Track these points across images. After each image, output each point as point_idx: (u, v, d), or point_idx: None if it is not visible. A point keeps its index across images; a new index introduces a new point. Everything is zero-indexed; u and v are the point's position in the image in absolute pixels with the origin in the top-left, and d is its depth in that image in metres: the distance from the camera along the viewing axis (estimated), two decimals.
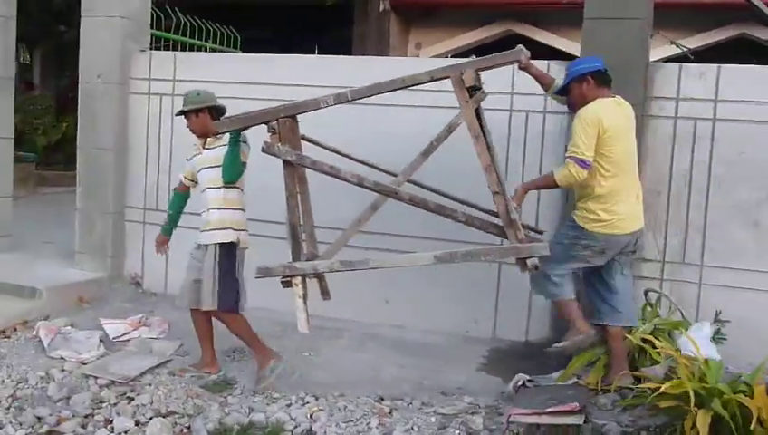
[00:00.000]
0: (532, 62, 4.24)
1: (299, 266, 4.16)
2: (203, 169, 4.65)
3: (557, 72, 4.77)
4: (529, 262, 3.91)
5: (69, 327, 5.45)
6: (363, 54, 10.42)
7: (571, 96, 4.16)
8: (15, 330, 5.44)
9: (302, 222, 4.21)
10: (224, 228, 4.55)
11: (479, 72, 4.06)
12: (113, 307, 6.13)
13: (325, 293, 4.28)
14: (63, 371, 4.79)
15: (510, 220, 3.91)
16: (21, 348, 5.15)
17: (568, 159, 3.97)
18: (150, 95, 6.39)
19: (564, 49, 11.21)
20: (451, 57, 9.89)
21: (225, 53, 7.97)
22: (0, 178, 7.06)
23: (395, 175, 4.26)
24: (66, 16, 14.05)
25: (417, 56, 12.20)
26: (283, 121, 4.16)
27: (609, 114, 3.97)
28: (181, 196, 4.96)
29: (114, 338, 5.37)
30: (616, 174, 4.01)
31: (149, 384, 4.63)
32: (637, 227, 4.14)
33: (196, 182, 4.76)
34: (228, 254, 4.55)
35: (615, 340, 4.20)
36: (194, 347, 5.09)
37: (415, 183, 4.47)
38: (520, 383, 4.29)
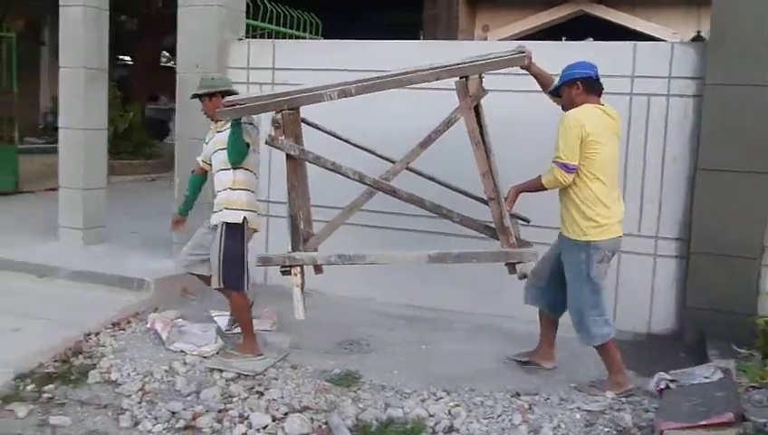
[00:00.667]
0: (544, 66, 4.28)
1: (298, 257, 4.29)
2: (215, 151, 4.79)
3: (650, 54, 4.86)
4: (518, 268, 4.05)
5: (180, 319, 5.43)
6: (434, 38, 10.29)
7: (562, 99, 4.23)
8: (129, 322, 5.44)
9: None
10: (231, 209, 4.68)
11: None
12: (216, 298, 6.08)
13: (318, 269, 4.75)
14: (186, 364, 4.77)
15: (503, 226, 4.06)
16: (139, 341, 5.14)
17: (553, 164, 4.05)
18: (249, 84, 6.32)
19: (640, 29, 10.95)
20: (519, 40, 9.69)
21: (315, 40, 7.86)
22: (95, 170, 7.10)
23: (393, 162, 4.44)
24: (128, 5, 14.11)
25: (485, 39, 12.01)
26: (287, 114, 4.20)
27: (591, 119, 4.02)
28: (198, 178, 5.19)
29: (226, 330, 5.34)
30: (601, 178, 4.05)
31: (276, 378, 4.59)
32: (620, 232, 4.22)
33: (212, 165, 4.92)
34: (234, 234, 4.68)
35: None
36: (307, 340, 5.05)
37: (414, 171, 4.64)
38: (663, 386, 4.12)
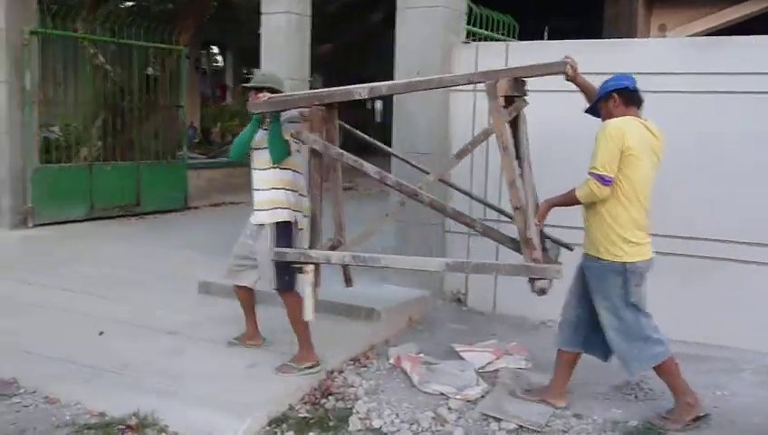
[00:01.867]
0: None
1: (313, 255, 4.26)
2: (258, 149, 4.54)
3: None
4: (537, 284, 3.87)
5: (422, 354, 4.87)
6: (616, 37, 9.48)
7: (601, 115, 3.93)
8: (368, 358, 4.90)
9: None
10: (281, 208, 4.50)
11: (521, 79, 3.99)
12: (446, 329, 5.52)
13: (348, 280, 4.76)
14: (452, 410, 4.17)
15: (526, 238, 3.86)
16: (387, 380, 4.59)
17: (589, 176, 3.75)
18: (477, 92, 5.73)
19: None
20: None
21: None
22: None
23: (427, 172, 4.38)
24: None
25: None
26: (316, 109, 4.23)
27: (633, 132, 3.72)
28: None
29: (480, 369, 4.72)
30: (638, 197, 3.78)
31: (564, 432, 3.93)
32: (651, 255, 3.90)
33: None
34: (283, 234, 4.50)
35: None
36: (573, 381, 4.37)
37: (446, 183, 4.88)
38: None
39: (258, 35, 14.12)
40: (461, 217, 4.16)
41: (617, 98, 3.82)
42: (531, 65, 3.96)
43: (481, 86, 5.60)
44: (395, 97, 5.94)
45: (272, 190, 4.50)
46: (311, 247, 4.34)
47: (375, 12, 14.29)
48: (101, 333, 5.17)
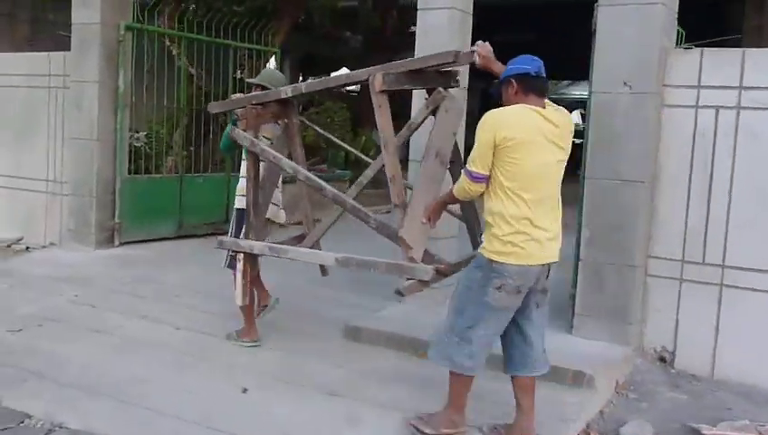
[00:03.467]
0: None
1: (242, 244, 4.69)
2: None
3: None
4: (404, 284, 3.91)
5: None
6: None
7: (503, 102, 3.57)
8: None
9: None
10: (240, 195, 4.96)
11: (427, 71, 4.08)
12: (663, 398, 4.49)
13: (324, 272, 5.08)
14: None
15: (400, 236, 3.85)
16: None
17: (462, 171, 3.55)
18: (699, 108, 4.72)
19: None
20: None
21: None
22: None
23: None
24: (357, 19, 13.03)
25: None
26: (250, 109, 4.66)
27: (513, 122, 3.36)
28: None
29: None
30: (522, 193, 3.38)
31: None
32: (551, 258, 3.49)
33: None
34: (240, 218, 4.95)
35: (526, 392, 3.64)
36: None
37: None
38: None
39: (328, 42, 13.04)
40: (358, 211, 4.15)
41: (515, 84, 3.46)
42: (425, 56, 4.12)
43: (704, 101, 4.71)
44: (592, 113, 4.95)
45: (242, 179, 4.92)
46: (245, 237, 4.72)
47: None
48: (245, 391, 4.23)
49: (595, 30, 4.99)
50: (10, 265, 7.01)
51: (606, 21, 4.87)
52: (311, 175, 4.49)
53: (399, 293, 3.95)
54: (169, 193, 8.05)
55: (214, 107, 5.02)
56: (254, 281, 4.94)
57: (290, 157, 4.87)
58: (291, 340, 5.08)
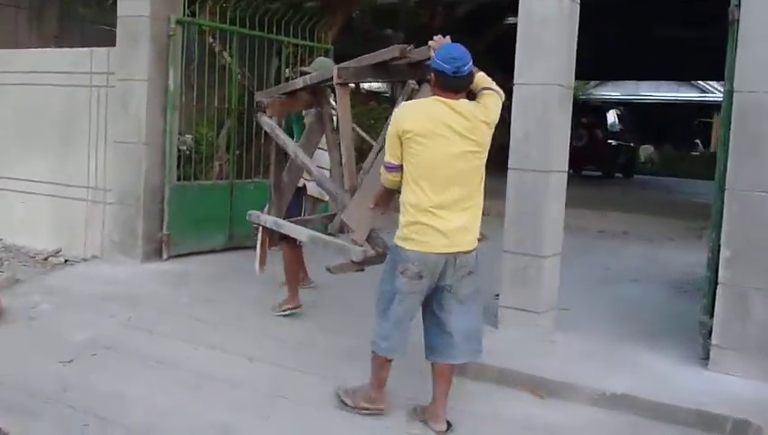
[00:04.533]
0: None
1: (261, 218, 5.20)
2: None
3: None
4: (336, 263, 4.36)
5: None
6: None
7: None
8: None
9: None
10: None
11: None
12: None
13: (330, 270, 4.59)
14: None
15: (341, 220, 4.38)
16: None
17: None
18: None
19: None
20: None
21: None
22: (552, 229, 5.02)
23: None
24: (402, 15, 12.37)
25: None
26: (275, 98, 5.16)
27: (418, 115, 3.53)
28: None
29: None
30: (419, 182, 3.50)
31: None
32: (456, 248, 3.53)
33: None
34: (297, 195, 5.55)
35: (441, 379, 3.73)
36: None
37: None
38: None
39: (368, 40, 12.30)
40: (325, 187, 4.92)
41: (434, 78, 3.57)
42: (374, 54, 4.27)
43: None
44: (734, 116, 4.29)
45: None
46: (267, 213, 5.18)
47: None
48: None
49: (736, 19, 4.32)
50: (51, 282, 6.39)
51: (756, 6, 4.20)
52: (306, 160, 4.90)
53: (329, 270, 4.38)
54: (220, 201, 7.41)
55: (259, 95, 5.26)
56: (300, 262, 5.83)
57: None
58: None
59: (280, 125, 5.18)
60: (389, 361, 3.76)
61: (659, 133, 30.47)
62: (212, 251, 7.38)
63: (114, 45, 6.92)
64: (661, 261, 8.40)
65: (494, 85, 3.69)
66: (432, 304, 3.69)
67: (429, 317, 3.74)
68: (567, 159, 5.10)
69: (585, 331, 5.07)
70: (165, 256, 6.93)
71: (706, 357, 4.47)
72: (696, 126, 34.23)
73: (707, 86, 32.26)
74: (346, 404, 3.89)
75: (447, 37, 3.80)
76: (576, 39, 5.01)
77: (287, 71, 8.40)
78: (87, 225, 7.25)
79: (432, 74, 3.57)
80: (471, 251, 3.60)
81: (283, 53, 8.12)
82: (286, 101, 5.11)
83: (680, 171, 27.79)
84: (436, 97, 3.54)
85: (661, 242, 10.05)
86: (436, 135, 3.47)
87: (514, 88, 4.94)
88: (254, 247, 7.65)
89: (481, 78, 3.68)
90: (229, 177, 7.59)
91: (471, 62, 3.53)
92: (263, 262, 5.21)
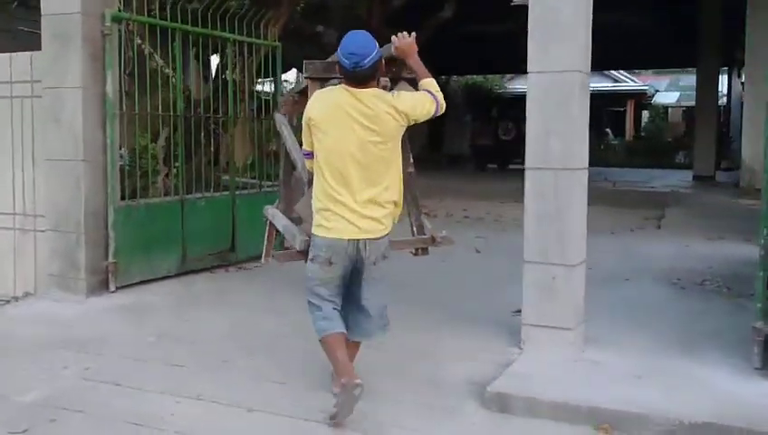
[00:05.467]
0: None
1: (269, 211, 5.09)
2: None
3: None
4: (280, 251, 4.76)
5: None
6: None
7: None
8: None
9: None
10: None
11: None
12: None
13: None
14: None
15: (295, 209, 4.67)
16: None
17: None
18: None
19: None
20: None
21: None
22: (573, 237, 4.48)
23: None
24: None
25: None
26: (288, 97, 5.55)
27: (322, 103, 3.69)
28: None
29: None
30: (325, 170, 3.64)
31: None
32: (364, 234, 3.62)
33: None
34: None
35: (351, 349, 3.85)
36: None
37: None
38: None
39: (299, 38, 11.47)
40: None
41: (338, 68, 3.67)
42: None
43: None
44: None
45: None
46: (276, 207, 5.11)
47: None
48: None
49: None
50: None
51: None
52: (294, 154, 4.75)
53: (274, 257, 4.63)
54: (170, 220, 6.57)
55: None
56: None
57: None
58: (414, 416, 3.77)
59: (291, 123, 5.11)
60: (338, 339, 3.70)
61: None
62: (166, 277, 6.53)
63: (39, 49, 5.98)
64: (637, 255, 8.06)
65: (438, 95, 3.77)
66: (352, 287, 3.79)
67: (348, 300, 3.83)
68: (587, 153, 4.57)
69: (616, 345, 4.56)
70: (113, 287, 6.04)
71: (762, 367, 4.04)
72: (608, 115, 34.92)
73: (620, 76, 32.91)
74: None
75: (414, 34, 3.88)
76: (591, 20, 4.49)
77: (231, 72, 7.60)
78: (16, 257, 6.27)
79: (338, 65, 3.64)
80: (380, 238, 3.65)
81: (229, 52, 7.31)
82: (299, 100, 5.00)
83: (601, 160, 28.22)
84: (342, 85, 3.64)
85: (623, 234, 9.77)
86: (337, 124, 3.57)
87: (528, 78, 4.39)
88: (211, 269, 6.98)
89: (427, 84, 3.81)
90: (178, 192, 6.73)
91: (376, 53, 3.56)
92: (267, 253, 5.08)
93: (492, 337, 4.79)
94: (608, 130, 33.92)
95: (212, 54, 7.09)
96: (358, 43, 3.56)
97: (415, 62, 3.87)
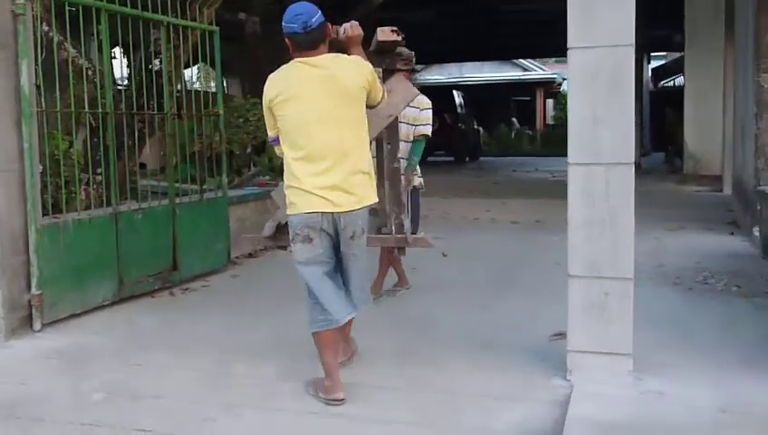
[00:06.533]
0: None
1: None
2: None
3: None
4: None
5: None
6: None
7: None
8: None
9: None
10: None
11: None
12: None
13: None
14: None
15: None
16: None
17: None
18: None
19: None
20: None
21: None
22: (631, 246, 3.76)
23: None
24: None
25: None
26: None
27: (278, 82, 3.62)
28: None
29: None
30: (290, 146, 3.60)
31: None
32: (338, 207, 3.55)
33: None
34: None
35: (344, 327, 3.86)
36: None
37: None
38: None
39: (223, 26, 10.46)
40: None
41: (289, 43, 3.58)
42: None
43: None
44: None
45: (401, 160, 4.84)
46: None
47: None
48: None
49: None
50: None
51: None
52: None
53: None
54: (104, 239, 5.48)
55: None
56: (394, 262, 5.64)
57: None
58: None
59: None
60: (330, 338, 3.68)
61: (481, 114, 30.59)
62: (101, 306, 5.44)
63: None
64: None
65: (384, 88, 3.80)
66: (338, 265, 3.74)
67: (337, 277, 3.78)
68: (634, 146, 3.86)
69: (668, 368, 3.90)
70: (38, 325, 4.93)
71: None
72: (513, 104, 34.98)
73: (529, 64, 33.00)
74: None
75: (363, 28, 3.84)
76: None
77: (165, 61, 6.53)
78: None
79: (287, 41, 3.56)
80: (354, 211, 3.55)
81: (162, 37, 6.25)
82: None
83: (515, 150, 28.16)
84: (295, 60, 3.57)
85: None
86: (297, 98, 3.52)
87: (569, 55, 3.63)
88: (152, 293, 5.92)
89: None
90: (111, 203, 5.63)
91: (319, 13, 3.51)
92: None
93: (527, 367, 4.03)
94: (513, 119, 33.97)
95: (138, 40, 5.97)
96: (301, 7, 3.53)
97: (358, 51, 3.80)
